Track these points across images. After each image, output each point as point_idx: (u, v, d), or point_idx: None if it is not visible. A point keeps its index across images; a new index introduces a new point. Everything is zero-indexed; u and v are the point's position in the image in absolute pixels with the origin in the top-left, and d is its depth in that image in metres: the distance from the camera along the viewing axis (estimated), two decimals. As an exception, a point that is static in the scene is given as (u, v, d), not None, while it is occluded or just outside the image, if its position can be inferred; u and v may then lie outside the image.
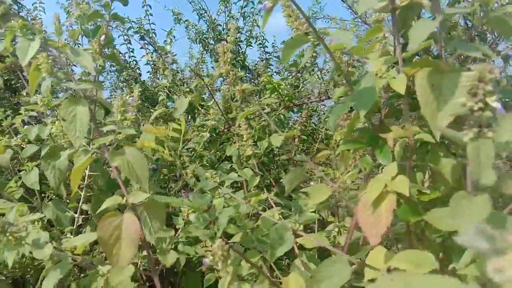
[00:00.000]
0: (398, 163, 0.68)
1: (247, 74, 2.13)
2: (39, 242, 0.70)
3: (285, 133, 0.82)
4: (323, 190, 0.77)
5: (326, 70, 1.74)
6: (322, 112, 2.22)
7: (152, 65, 1.97)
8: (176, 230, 0.96)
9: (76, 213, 1.08)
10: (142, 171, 0.78)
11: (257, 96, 2.01)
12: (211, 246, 0.58)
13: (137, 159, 0.79)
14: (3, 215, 0.92)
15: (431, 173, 0.76)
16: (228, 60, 1.17)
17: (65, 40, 1.08)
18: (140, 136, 0.97)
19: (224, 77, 1.19)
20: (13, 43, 0.91)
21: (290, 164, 1.79)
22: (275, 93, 1.19)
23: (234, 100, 1.27)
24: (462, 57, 0.89)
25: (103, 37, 1.01)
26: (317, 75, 1.65)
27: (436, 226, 0.59)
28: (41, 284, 0.74)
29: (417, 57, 0.75)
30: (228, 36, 1.47)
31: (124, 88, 2.10)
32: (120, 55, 2.06)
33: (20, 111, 1.15)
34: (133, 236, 0.74)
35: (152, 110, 1.61)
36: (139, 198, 0.77)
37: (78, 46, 1.12)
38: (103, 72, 2.11)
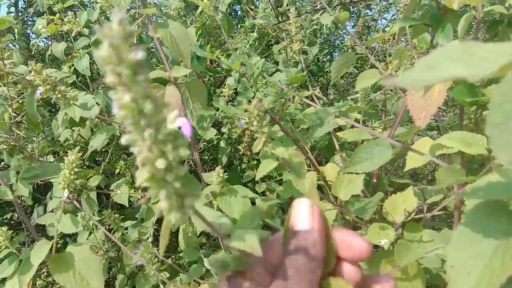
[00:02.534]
0: (460, 40, 0.61)
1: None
2: (86, 104, 0.74)
3: (337, 15, 0.75)
4: (372, 75, 0.72)
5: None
6: (381, 25, 2.05)
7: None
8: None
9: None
10: (185, 46, 0.77)
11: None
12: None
13: (181, 34, 0.77)
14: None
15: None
16: None
17: None
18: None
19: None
20: None
21: (343, 76, 1.71)
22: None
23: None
24: None
25: None
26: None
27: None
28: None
29: None
30: None
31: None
32: None
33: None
34: (175, 107, 0.75)
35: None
36: (181, 72, 0.77)
37: None
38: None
